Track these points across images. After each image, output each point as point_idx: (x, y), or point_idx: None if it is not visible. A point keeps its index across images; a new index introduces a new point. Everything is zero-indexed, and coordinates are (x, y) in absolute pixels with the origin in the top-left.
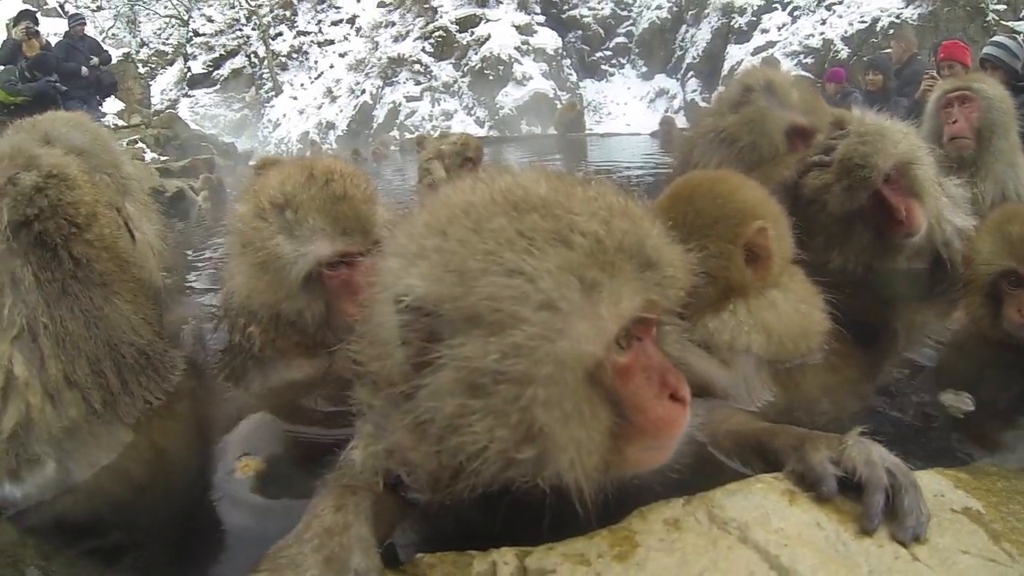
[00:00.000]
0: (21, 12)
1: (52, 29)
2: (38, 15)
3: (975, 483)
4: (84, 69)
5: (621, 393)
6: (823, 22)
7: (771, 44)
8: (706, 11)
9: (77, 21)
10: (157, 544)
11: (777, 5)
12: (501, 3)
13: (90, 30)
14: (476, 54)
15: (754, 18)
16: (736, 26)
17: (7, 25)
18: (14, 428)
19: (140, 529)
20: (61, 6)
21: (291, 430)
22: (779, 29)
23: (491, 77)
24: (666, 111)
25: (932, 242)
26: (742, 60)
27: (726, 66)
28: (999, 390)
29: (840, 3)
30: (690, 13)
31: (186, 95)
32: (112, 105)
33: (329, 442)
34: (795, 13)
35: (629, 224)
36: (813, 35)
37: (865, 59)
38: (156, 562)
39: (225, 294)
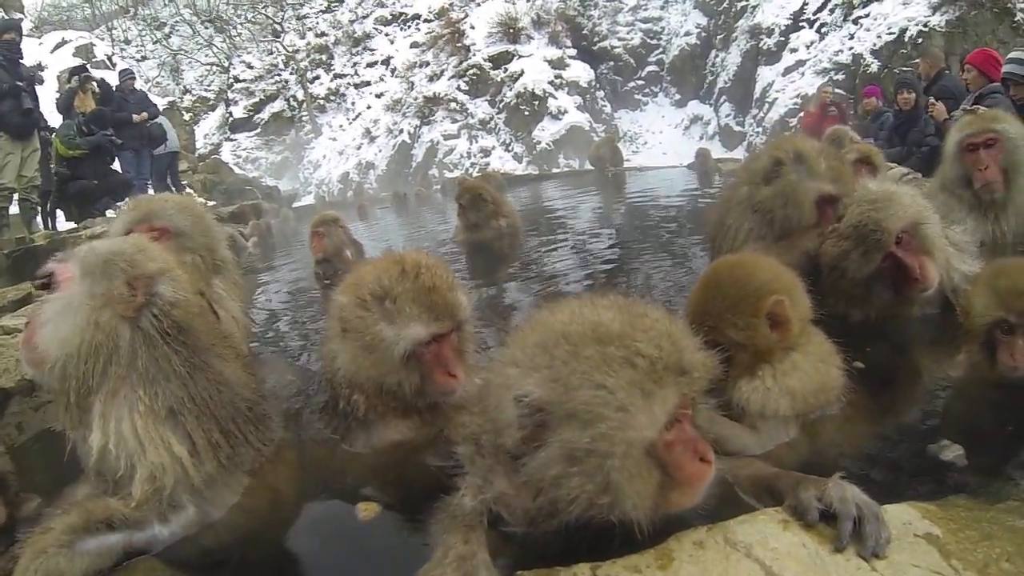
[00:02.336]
0: (75, 68)
1: (103, 77)
2: (87, 66)
3: (940, 513)
4: (135, 117)
5: (667, 459)
6: (851, 36)
7: (801, 63)
8: (734, 34)
9: (127, 76)
10: (282, 571)
11: (804, 23)
12: (532, 38)
13: (138, 83)
14: (511, 90)
15: (782, 38)
16: (765, 47)
17: (58, 77)
18: (172, 486)
19: (268, 556)
20: (109, 58)
21: (394, 480)
22: (807, 47)
23: (527, 112)
24: (701, 137)
25: (942, 290)
26: (773, 81)
27: (758, 88)
28: (993, 429)
29: (867, 16)
30: (719, 37)
31: (228, 139)
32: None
33: (425, 489)
34: (823, 30)
35: (672, 345)
36: (842, 51)
37: (896, 77)
38: None
39: (328, 367)
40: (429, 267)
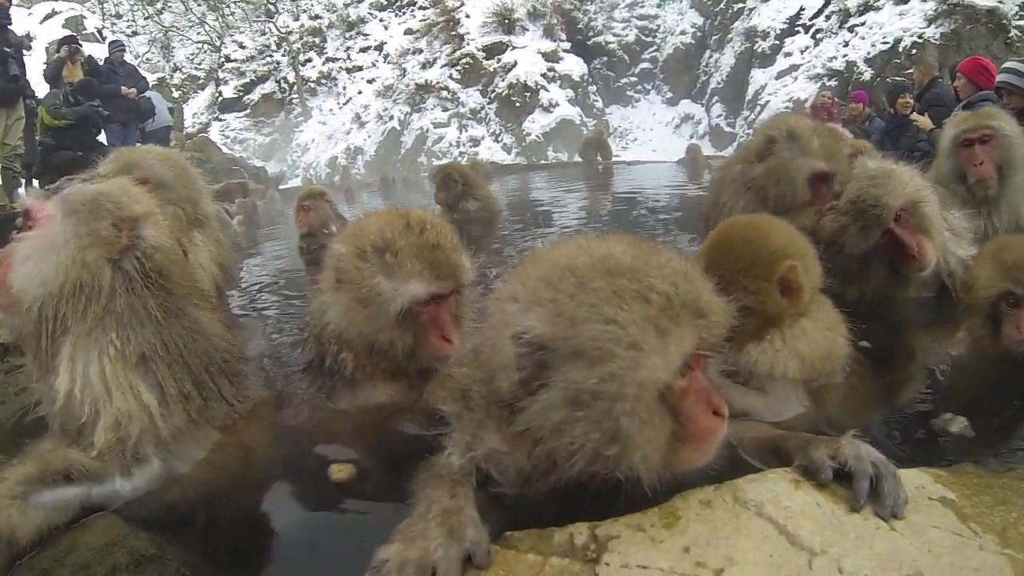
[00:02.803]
0: (64, 37)
1: (91, 54)
2: (77, 38)
3: (953, 479)
4: (123, 89)
5: (679, 408)
6: (846, 44)
7: (794, 67)
8: (729, 36)
9: (117, 48)
10: (252, 531)
11: (800, 28)
12: (527, 30)
13: (128, 56)
14: (503, 81)
15: (777, 42)
16: (759, 50)
17: (47, 49)
18: (138, 436)
19: (236, 518)
20: (99, 31)
21: (375, 443)
22: (802, 52)
23: (518, 104)
24: (691, 137)
25: (938, 273)
26: (766, 84)
27: (750, 91)
28: (998, 404)
29: (862, 24)
30: (714, 38)
31: (217, 119)
32: None
33: (407, 454)
34: (818, 36)
35: (688, 284)
36: (836, 57)
37: (895, 82)
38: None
39: (315, 322)
40: (434, 225)
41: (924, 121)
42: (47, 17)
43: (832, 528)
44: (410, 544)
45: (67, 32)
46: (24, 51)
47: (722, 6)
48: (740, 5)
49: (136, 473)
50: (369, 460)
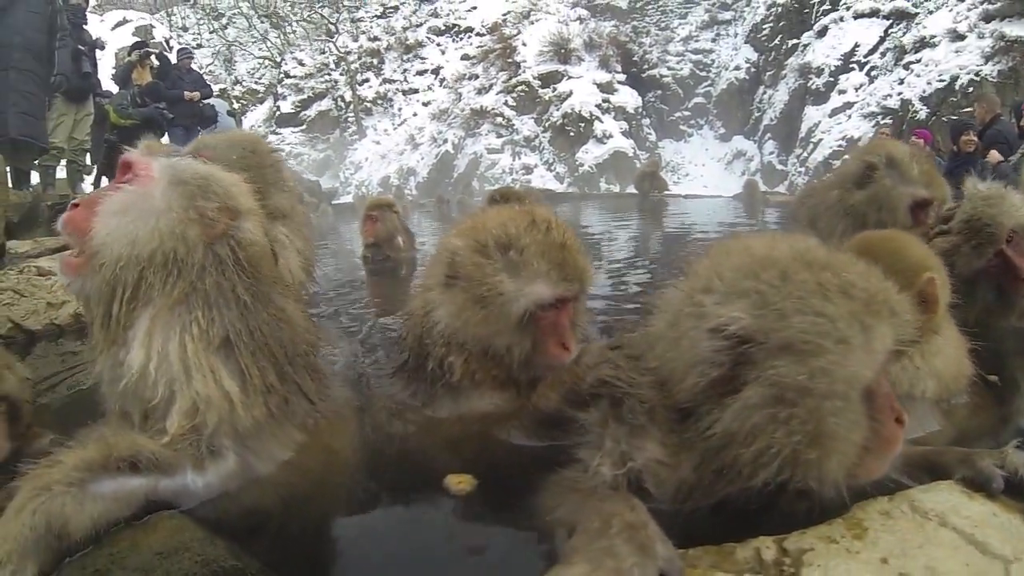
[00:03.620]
0: (136, 42)
1: (162, 51)
2: (148, 43)
3: None
4: (187, 94)
5: (874, 411)
6: (901, 82)
7: (848, 105)
8: (783, 72)
9: (185, 55)
10: (337, 543)
11: (854, 65)
12: (583, 60)
13: (193, 65)
14: (558, 110)
15: (831, 79)
16: (813, 87)
17: (116, 54)
18: (215, 425)
19: (320, 528)
20: (167, 41)
21: (478, 453)
22: (857, 90)
23: (572, 133)
24: (743, 173)
25: None
26: (819, 122)
27: (803, 128)
28: None
29: (918, 62)
30: (768, 74)
31: (274, 132)
32: None
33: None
34: (872, 73)
35: (880, 283)
36: (891, 95)
37: (957, 120)
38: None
39: (417, 322)
40: (559, 224)
41: (993, 154)
42: (118, 24)
43: (1018, 537)
44: (597, 564)
45: (137, 39)
46: (98, 50)
47: (776, 42)
48: (795, 41)
49: (210, 468)
50: (474, 472)
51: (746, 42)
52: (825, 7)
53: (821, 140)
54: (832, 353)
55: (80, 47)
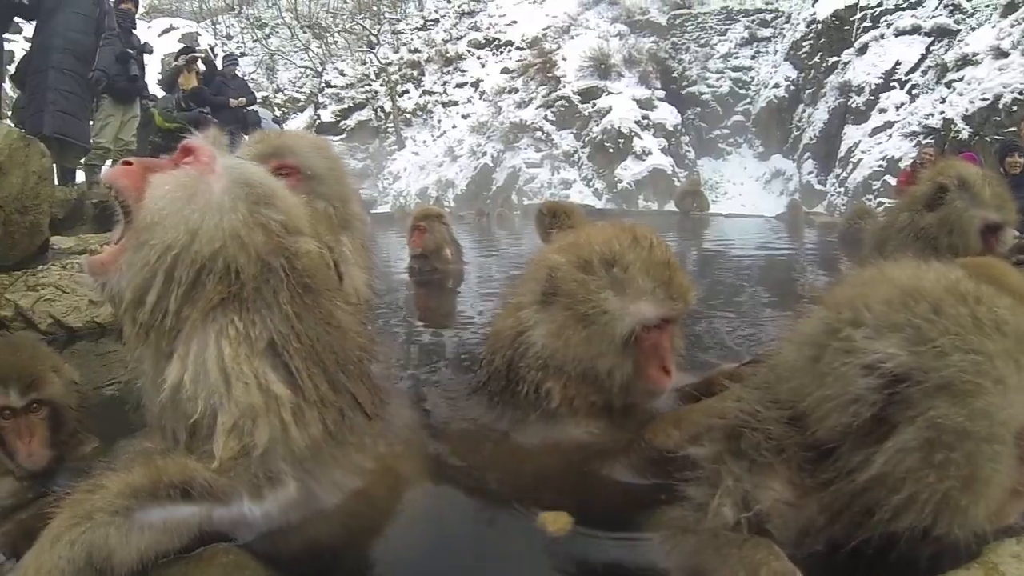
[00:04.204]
0: (183, 48)
1: (207, 54)
2: (195, 49)
3: None
4: (231, 100)
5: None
6: (943, 100)
7: (889, 124)
8: (823, 90)
9: (230, 61)
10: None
11: (895, 84)
12: (622, 76)
13: (238, 72)
14: (597, 126)
15: (872, 97)
16: (854, 106)
17: (162, 59)
18: (267, 445)
19: (396, 566)
20: (212, 49)
21: (577, 489)
22: (897, 108)
23: (611, 149)
24: (781, 193)
25: None
26: (859, 141)
27: (843, 147)
28: None
29: (960, 80)
30: (807, 92)
31: None
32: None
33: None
34: (914, 91)
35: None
36: (932, 114)
37: (1003, 141)
38: None
39: (505, 343)
40: (661, 242)
41: None
42: (165, 31)
43: None
44: None
45: (183, 45)
46: (146, 54)
47: (816, 59)
48: (835, 59)
49: (268, 495)
50: (570, 509)
51: (786, 59)
52: (866, 24)
53: (861, 160)
54: (991, 394)
55: (129, 50)
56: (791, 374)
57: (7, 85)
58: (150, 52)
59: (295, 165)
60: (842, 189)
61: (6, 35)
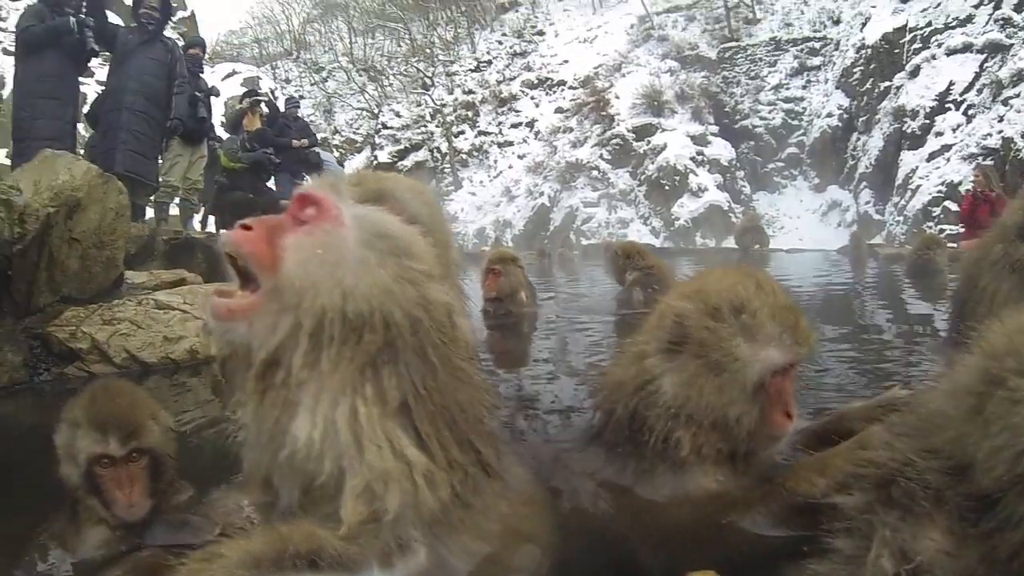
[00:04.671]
0: (248, 91)
1: (268, 98)
2: (259, 91)
3: None
4: (294, 142)
5: None
6: (1000, 119)
7: (946, 148)
8: (877, 116)
9: (292, 104)
10: None
11: (950, 105)
12: (675, 113)
13: (300, 114)
14: (652, 163)
15: (927, 121)
16: (909, 131)
17: (225, 103)
18: (398, 511)
19: None
20: (272, 92)
21: (714, 542)
22: (954, 131)
23: (667, 187)
24: (838, 225)
25: None
26: (916, 167)
27: (900, 174)
28: None
29: (1017, 96)
30: (861, 119)
31: None
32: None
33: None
34: (970, 112)
35: None
36: (991, 134)
37: None
38: None
39: (635, 392)
40: (780, 286)
41: None
42: (228, 76)
43: None
44: None
45: (245, 90)
46: (213, 97)
47: (868, 85)
48: (887, 83)
49: (398, 563)
50: (712, 566)
51: (837, 87)
52: (916, 46)
53: (919, 186)
54: None
55: (197, 93)
56: (948, 424)
57: (80, 124)
58: (217, 95)
59: (398, 211)
60: (901, 218)
61: (80, 78)
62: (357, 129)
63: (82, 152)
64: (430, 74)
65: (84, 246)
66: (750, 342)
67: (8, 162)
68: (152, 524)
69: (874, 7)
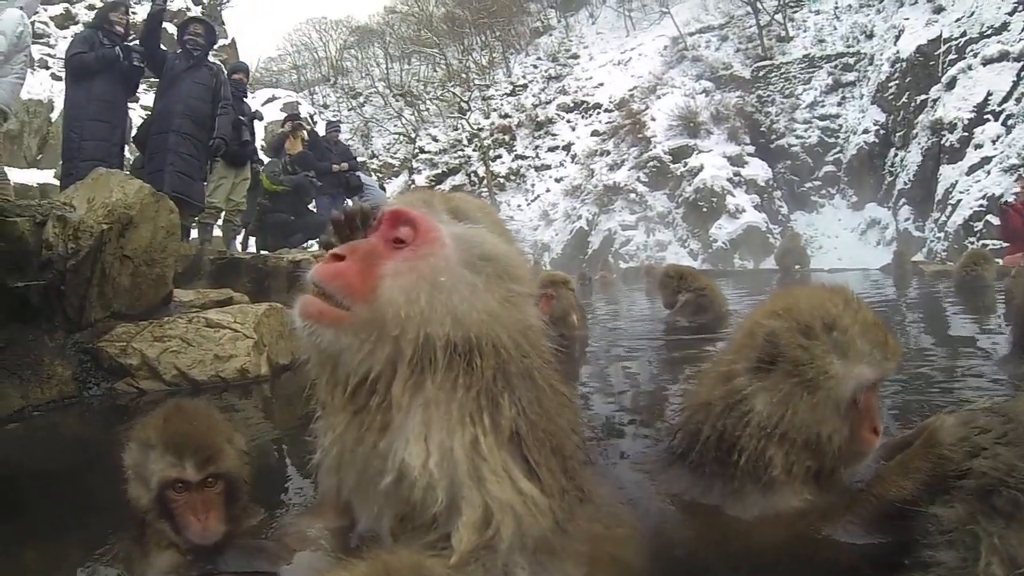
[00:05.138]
0: (289, 115)
1: (313, 129)
2: (300, 115)
3: None
4: (335, 165)
5: None
6: None
7: (986, 160)
8: (914, 131)
9: (333, 128)
10: None
11: (989, 116)
12: (711, 133)
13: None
14: (689, 185)
15: (966, 133)
16: (947, 144)
17: (266, 127)
18: (510, 540)
19: None
20: (311, 117)
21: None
22: (993, 142)
23: (704, 209)
24: (877, 243)
25: None
26: (956, 181)
27: (940, 189)
28: None
29: None
30: (898, 135)
31: None
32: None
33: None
34: (1009, 122)
35: None
36: None
37: None
38: None
39: (718, 413)
40: (865, 303)
41: None
42: (267, 101)
43: None
44: None
45: (284, 115)
46: (256, 120)
47: (904, 99)
48: (923, 96)
49: None
50: None
51: (873, 103)
52: (951, 57)
53: (960, 201)
54: None
55: (240, 117)
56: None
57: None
58: (260, 119)
59: None
60: (942, 234)
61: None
62: (394, 153)
63: (127, 174)
64: (466, 98)
65: (135, 263)
66: (843, 359)
67: (56, 182)
68: (225, 550)
69: (907, 19)
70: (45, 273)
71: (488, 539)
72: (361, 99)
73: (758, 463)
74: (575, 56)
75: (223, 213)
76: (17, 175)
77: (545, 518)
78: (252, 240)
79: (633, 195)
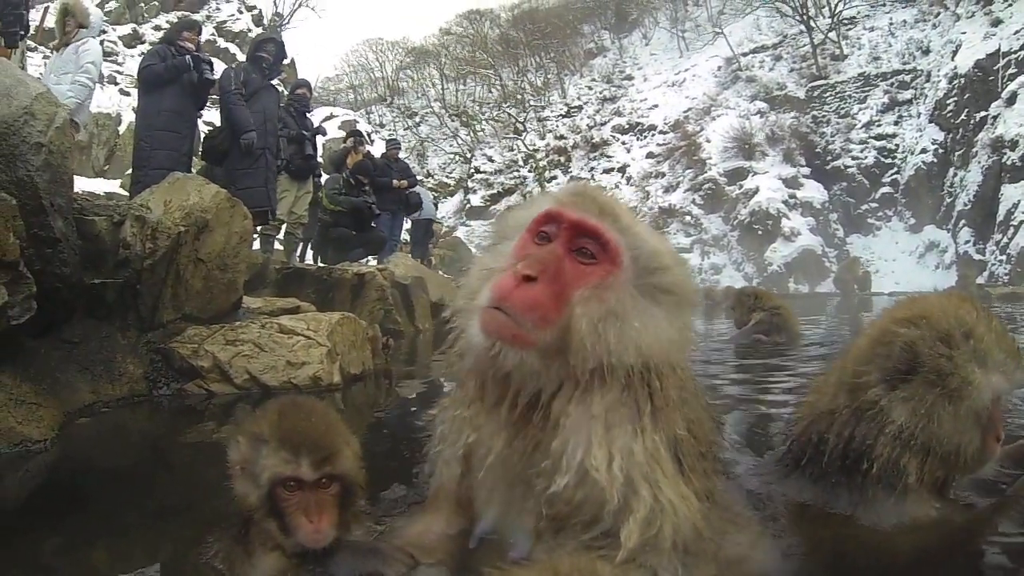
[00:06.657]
0: (352, 131)
1: (370, 150)
2: (362, 131)
3: None
4: (395, 182)
5: None
6: None
7: None
8: (974, 149)
9: (394, 146)
10: None
11: None
12: (766, 155)
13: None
14: (744, 207)
15: None
16: (1009, 162)
17: (323, 144)
18: (671, 539)
19: None
20: (369, 135)
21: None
22: None
23: (759, 231)
24: (936, 267)
25: None
26: (1019, 201)
27: (1001, 210)
28: None
29: None
30: (957, 154)
31: (463, 224)
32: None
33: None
34: None
35: None
36: None
37: None
38: None
39: (847, 421)
40: (992, 312)
41: None
42: (325, 119)
43: None
44: None
45: (342, 133)
46: (319, 135)
47: (963, 117)
48: (983, 113)
49: None
50: None
51: (931, 121)
52: (1011, 71)
53: (1023, 222)
54: None
55: (304, 132)
56: None
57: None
58: (324, 134)
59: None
60: (1004, 257)
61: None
62: (450, 173)
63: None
64: (521, 119)
65: (209, 267)
66: (982, 368)
67: (122, 192)
68: (337, 553)
69: (964, 33)
70: (121, 271)
71: (651, 536)
72: (417, 119)
73: (891, 472)
74: (629, 77)
75: (284, 225)
76: (85, 183)
77: (697, 520)
78: (309, 253)
79: (688, 217)
